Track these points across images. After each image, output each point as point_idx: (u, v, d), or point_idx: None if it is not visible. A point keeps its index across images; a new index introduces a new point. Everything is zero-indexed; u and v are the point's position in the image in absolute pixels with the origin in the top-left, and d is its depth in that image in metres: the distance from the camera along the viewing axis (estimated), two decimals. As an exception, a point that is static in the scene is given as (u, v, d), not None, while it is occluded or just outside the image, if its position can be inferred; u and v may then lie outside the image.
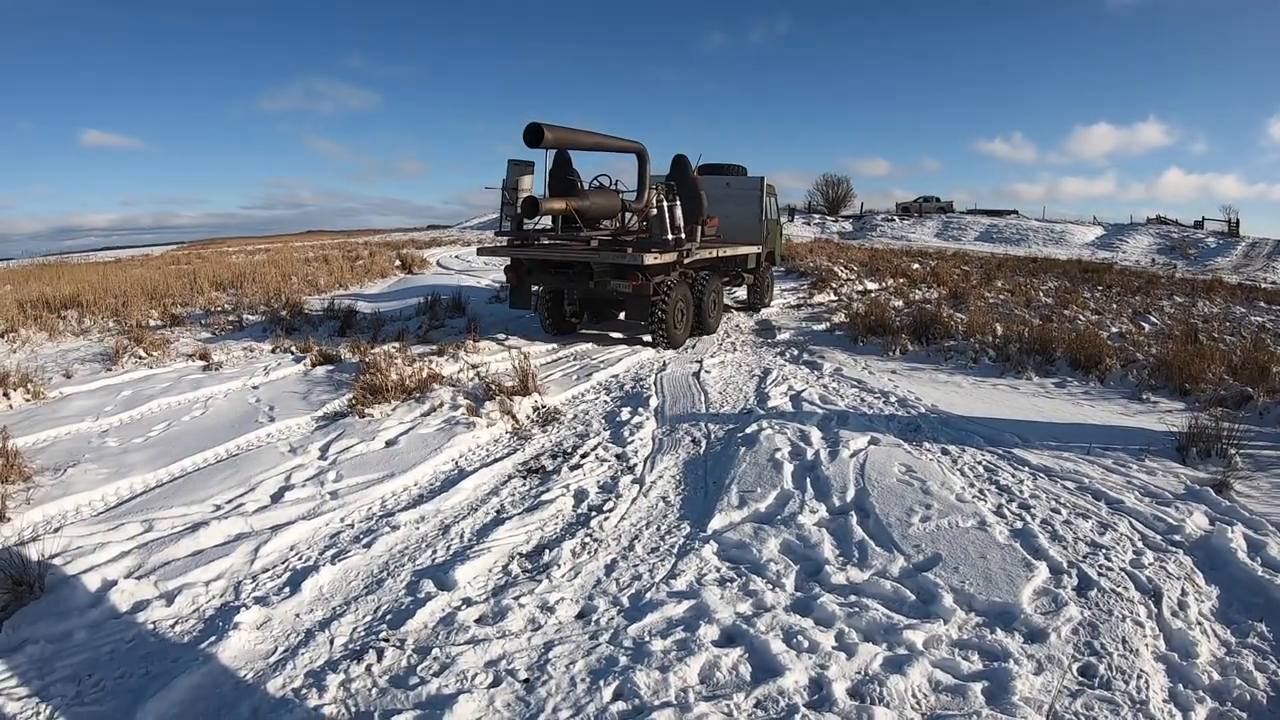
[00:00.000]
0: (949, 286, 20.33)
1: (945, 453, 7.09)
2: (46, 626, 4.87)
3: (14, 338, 14.86)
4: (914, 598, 4.62)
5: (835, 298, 19.21)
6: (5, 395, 10.43)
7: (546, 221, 14.63)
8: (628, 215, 15.08)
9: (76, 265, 32.40)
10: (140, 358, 12.61)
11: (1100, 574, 4.86)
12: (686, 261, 13.32)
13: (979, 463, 6.84)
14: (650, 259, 11.86)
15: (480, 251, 15.77)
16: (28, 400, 10.45)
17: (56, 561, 5.57)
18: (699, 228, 13.90)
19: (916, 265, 26.64)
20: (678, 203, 12.63)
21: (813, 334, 13.74)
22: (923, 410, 8.52)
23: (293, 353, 12.39)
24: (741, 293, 19.24)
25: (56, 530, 6.21)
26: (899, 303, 17.01)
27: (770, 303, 18.70)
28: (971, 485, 6.32)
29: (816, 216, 68.64)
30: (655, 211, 12.65)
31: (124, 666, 4.46)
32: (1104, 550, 5.18)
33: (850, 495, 6.09)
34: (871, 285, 21.44)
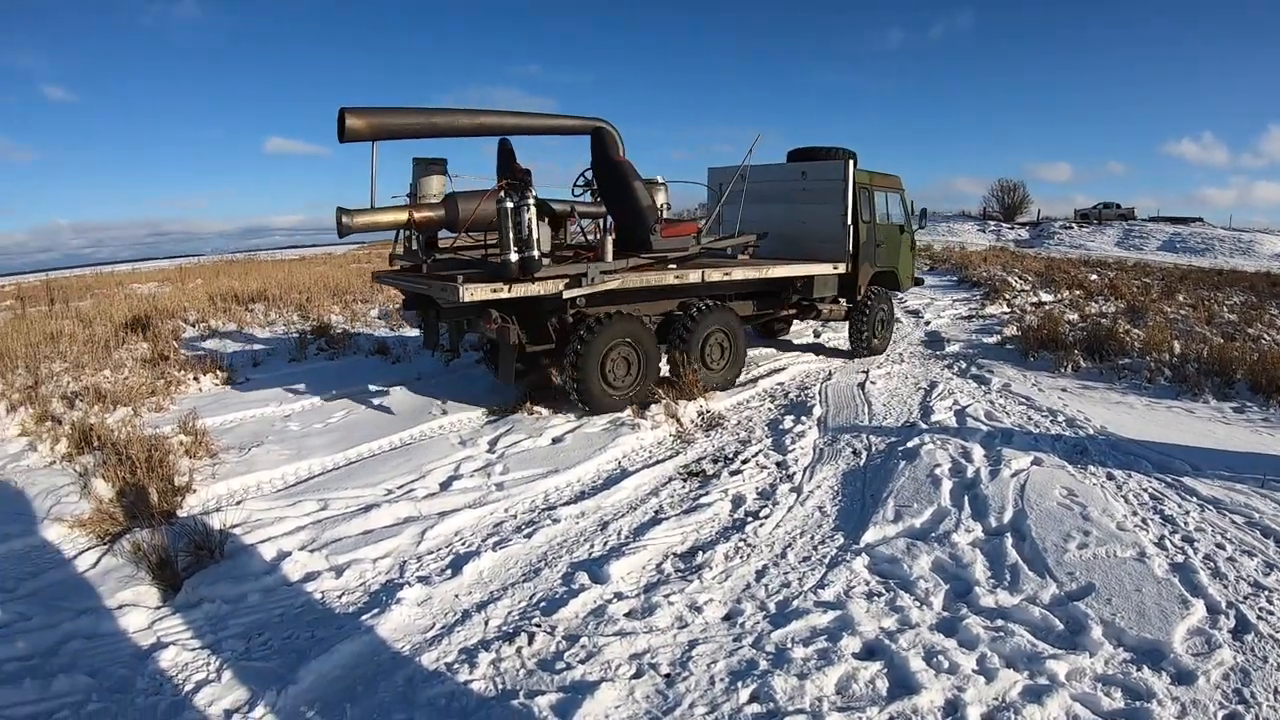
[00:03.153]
0: (1126, 300, 19.21)
1: (1110, 477, 6.81)
2: (224, 588, 5.27)
3: (205, 328, 15.82)
4: (1062, 627, 4.48)
5: (1008, 309, 18.09)
6: (196, 380, 11.16)
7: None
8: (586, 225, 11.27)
9: (263, 262, 34.19)
10: (322, 349, 13.27)
11: (1260, 617, 4.58)
12: (587, 293, 8.94)
13: (1144, 490, 6.54)
14: (474, 293, 8.13)
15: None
16: (217, 385, 11.13)
17: (236, 531, 6.01)
18: (610, 237, 9.30)
19: (1094, 276, 25.29)
20: (529, 204, 8.17)
21: (982, 347, 13.17)
22: (1091, 431, 8.18)
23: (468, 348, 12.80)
24: (791, 325, 15.01)
25: (238, 503, 6.68)
26: (1073, 316, 16.12)
27: (884, 348, 13.27)
28: (1134, 513, 6.04)
29: (992, 223, 66.35)
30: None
31: (292, 629, 4.81)
32: (1267, 592, 4.87)
33: (1008, 516, 5.93)
34: (1046, 297, 20.37)
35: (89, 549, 6.06)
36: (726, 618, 4.65)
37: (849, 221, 12.06)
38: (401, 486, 6.95)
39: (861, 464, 7.24)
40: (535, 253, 8.27)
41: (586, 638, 4.45)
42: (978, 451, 7.32)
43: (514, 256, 8.21)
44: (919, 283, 15.55)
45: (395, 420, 8.99)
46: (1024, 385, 9.97)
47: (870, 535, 5.63)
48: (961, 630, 4.38)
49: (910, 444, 7.55)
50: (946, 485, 6.51)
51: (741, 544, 5.62)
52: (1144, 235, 56.98)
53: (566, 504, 6.55)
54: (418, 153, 10.21)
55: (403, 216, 9.53)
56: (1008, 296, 19.99)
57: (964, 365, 11.51)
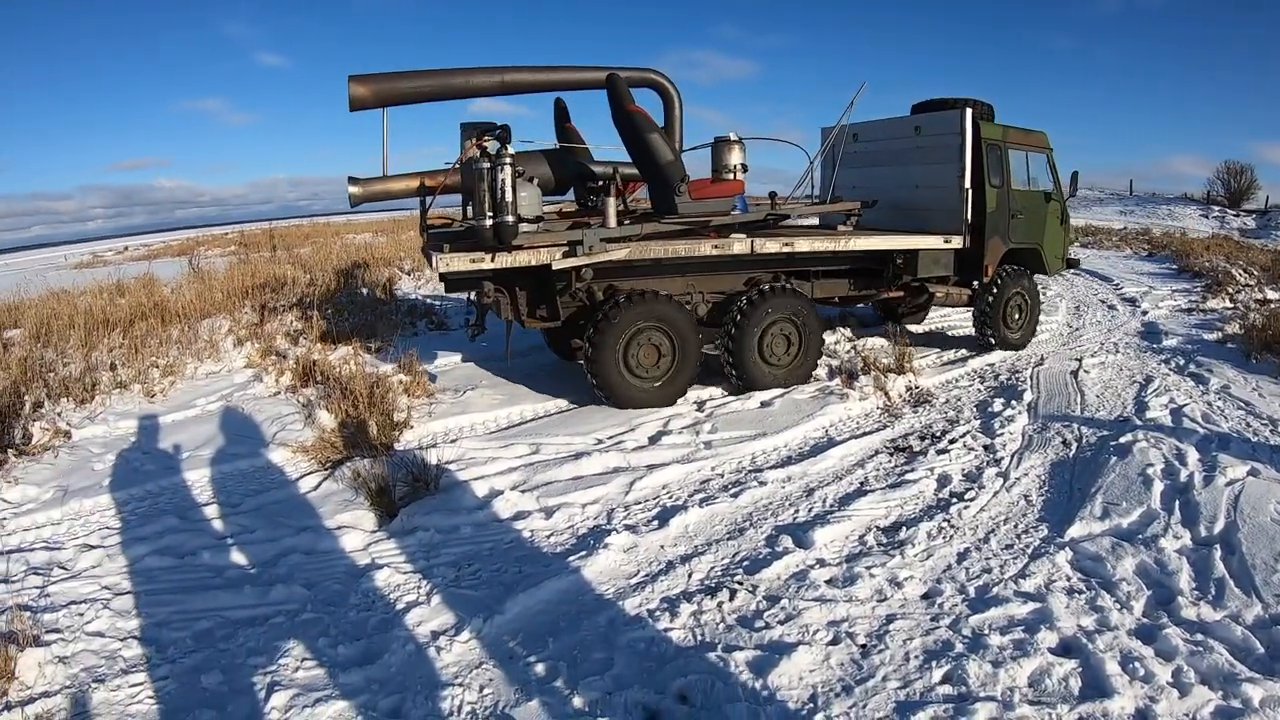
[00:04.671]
0: (1361, 302, 17.70)
1: (1330, 498, 6.42)
2: (437, 519, 5.65)
3: (418, 276, 16.54)
4: (1262, 650, 4.25)
5: (1230, 305, 16.77)
6: (412, 324, 11.74)
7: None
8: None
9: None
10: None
11: None
12: (587, 264, 7.94)
13: (1365, 517, 6.14)
14: (450, 263, 7.58)
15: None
16: (431, 330, 11.68)
17: (451, 467, 6.40)
18: (612, 200, 8.34)
19: (1327, 274, 23.36)
20: (505, 165, 7.34)
21: (1202, 343, 12.21)
22: (1313, 446, 7.68)
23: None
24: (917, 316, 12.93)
25: (453, 441, 7.12)
26: (1301, 317, 14.86)
27: (1024, 342, 11.46)
28: (1351, 541, 5.70)
29: (1215, 209, 61.58)
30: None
31: (500, 563, 5.14)
32: None
33: (1218, 527, 5.65)
34: (1272, 294, 18.78)
35: (310, 473, 6.58)
36: (925, 596, 4.67)
37: (967, 184, 10.11)
38: (611, 437, 7.23)
39: (1071, 455, 7.05)
40: (510, 217, 7.41)
41: (787, 600, 4.57)
42: (1192, 455, 6.94)
43: (487, 221, 7.45)
44: (1073, 264, 12.91)
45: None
46: (1244, 389, 9.40)
47: (1075, 530, 5.51)
48: (1160, 639, 4.24)
49: (1123, 439, 7.25)
50: (1158, 487, 6.23)
51: (945, 524, 5.61)
52: (1384, 231, 51.85)
53: (773, 468, 6.67)
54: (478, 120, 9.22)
55: (414, 184, 9.15)
56: (1230, 290, 18.58)
57: (1181, 361, 10.80)
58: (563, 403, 8.33)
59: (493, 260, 7.60)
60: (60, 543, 5.56)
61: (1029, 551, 5.23)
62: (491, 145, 7.50)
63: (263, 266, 17.18)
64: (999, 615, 4.44)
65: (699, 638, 4.25)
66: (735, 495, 6.04)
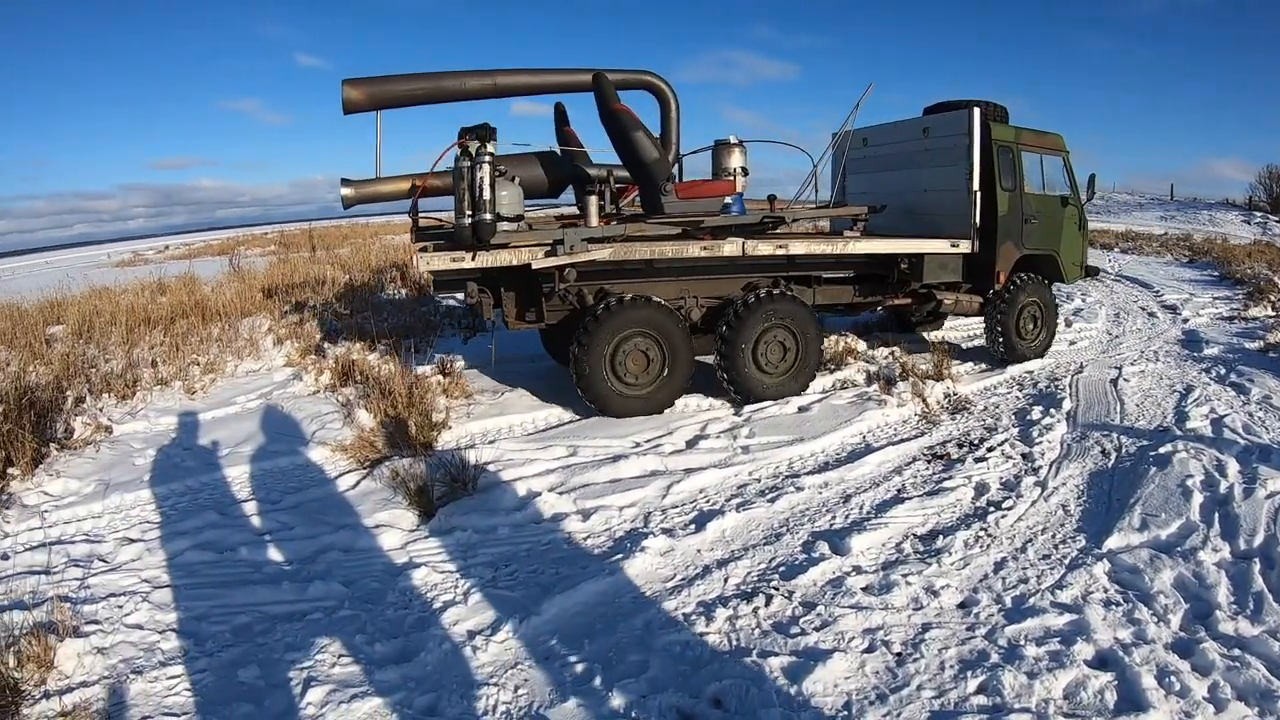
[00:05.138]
0: (1406, 310, 17.34)
1: (1372, 513, 6.32)
2: (475, 519, 5.68)
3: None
4: None
5: (1272, 313, 16.46)
6: (450, 325, 11.87)
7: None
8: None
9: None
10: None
11: None
12: (569, 263, 7.79)
13: None
14: (432, 263, 7.62)
15: None
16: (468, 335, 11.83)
17: (489, 468, 6.45)
18: (593, 199, 8.30)
19: (1371, 284, 22.92)
20: (484, 164, 7.34)
21: (1243, 352, 12.01)
22: (1355, 458, 7.55)
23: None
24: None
25: (491, 442, 7.15)
26: (1344, 326, 14.56)
27: (1038, 353, 10.95)
28: (1394, 555, 5.61)
29: (1258, 215, 60.39)
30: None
31: (537, 564, 5.16)
32: None
33: (1258, 540, 5.56)
34: None
35: (349, 471, 6.64)
36: (961, 605, 4.65)
37: (975, 187, 9.72)
38: (649, 440, 7.23)
39: (1109, 465, 6.96)
40: (487, 215, 7.36)
41: (823, 606, 4.56)
42: (1232, 466, 6.84)
43: (466, 220, 7.42)
44: (1093, 273, 12.41)
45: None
46: (1286, 399, 9.28)
47: (1113, 541, 5.45)
48: (1197, 654, 4.19)
49: (1162, 450, 7.15)
50: (1197, 499, 6.15)
51: (982, 533, 5.57)
52: None
53: (810, 473, 6.65)
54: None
55: (404, 186, 8.97)
56: (1273, 298, 18.27)
57: (1222, 370, 10.61)
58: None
59: (473, 259, 7.57)
60: (101, 536, 5.65)
61: (1066, 562, 5.18)
62: (473, 145, 7.43)
63: (302, 266, 17.35)
64: (1035, 626, 4.41)
65: (734, 642, 4.25)
66: (772, 500, 6.03)
